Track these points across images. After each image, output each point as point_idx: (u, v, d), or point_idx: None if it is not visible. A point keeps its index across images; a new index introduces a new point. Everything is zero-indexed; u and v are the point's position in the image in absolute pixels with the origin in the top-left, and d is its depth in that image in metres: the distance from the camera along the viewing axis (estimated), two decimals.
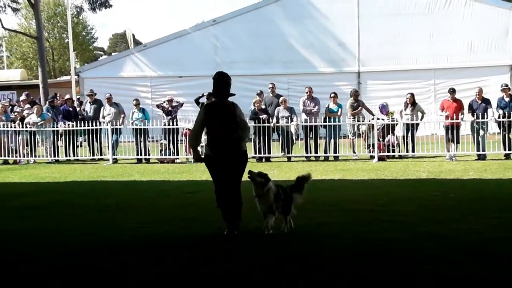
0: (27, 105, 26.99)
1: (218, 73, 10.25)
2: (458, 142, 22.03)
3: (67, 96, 28.06)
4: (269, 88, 24.50)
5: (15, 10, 48.20)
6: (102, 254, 8.85)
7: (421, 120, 23.08)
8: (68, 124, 24.41)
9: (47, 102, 28.72)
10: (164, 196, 14.86)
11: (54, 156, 24.30)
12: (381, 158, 21.96)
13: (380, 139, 22.32)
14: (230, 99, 10.17)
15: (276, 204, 9.81)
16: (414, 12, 31.48)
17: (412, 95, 23.25)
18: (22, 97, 28.00)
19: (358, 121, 23.14)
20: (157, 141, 24.36)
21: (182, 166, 22.12)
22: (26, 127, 24.13)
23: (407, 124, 22.73)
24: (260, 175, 9.75)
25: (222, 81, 10.05)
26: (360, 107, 23.61)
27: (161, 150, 23.88)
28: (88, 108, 25.62)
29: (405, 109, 23.07)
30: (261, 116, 22.94)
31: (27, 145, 24.27)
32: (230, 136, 9.72)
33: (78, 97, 36.44)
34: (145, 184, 17.41)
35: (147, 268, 8.09)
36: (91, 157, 24.63)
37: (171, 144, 23.68)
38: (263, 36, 32.01)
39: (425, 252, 8.48)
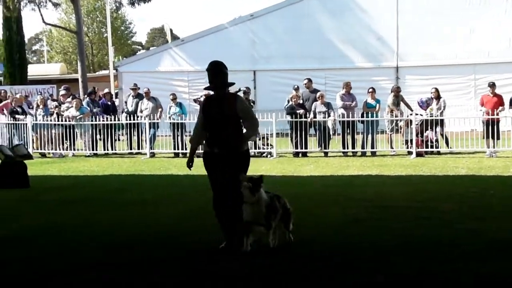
0: (68, 99, 27.14)
1: (210, 63, 9.04)
2: (498, 138, 21.74)
3: (106, 90, 28.24)
4: (304, 83, 24.40)
5: (55, 5, 48.64)
6: (136, 249, 8.87)
7: (441, 114, 22.83)
8: (107, 118, 24.56)
9: (86, 96, 28.92)
10: (201, 190, 14.83)
11: (93, 150, 24.48)
12: (419, 154, 21.78)
13: (419, 135, 22.14)
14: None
15: (268, 215, 8.43)
16: (454, 7, 31.08)
17: (437, 89, 23.07)
18: (62, 91, 28.18)
19: (397, 116, 22.97)
20: (190, 134, 24.34)
21: None
22: (65, 120, 24.31)
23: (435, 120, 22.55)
24: (251, 180, 8.37)
25: (215, 71, 8.86)
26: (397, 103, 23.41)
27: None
28: (130, 102, 25.74)
29: (430, 104, 22.89)
30: (298, 111, 22.87)
31: (66, 139, 24.46)
32: (227, 132, 8.57)
33: (116, 91, 36.67)
34: (182, 178, 17.42)
35: (180, 263, 8.09)
36: (129, 151, 24.74)
37: None
38: (300, 30, 31.85)
39: (463, 250, 8.39)
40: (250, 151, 22.50)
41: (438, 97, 22.87)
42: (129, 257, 8.37)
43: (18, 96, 28.19)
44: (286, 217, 8.77)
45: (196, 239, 9.41)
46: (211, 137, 8.76)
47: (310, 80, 24.48)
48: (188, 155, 9.25)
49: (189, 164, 8.98)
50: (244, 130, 8.90)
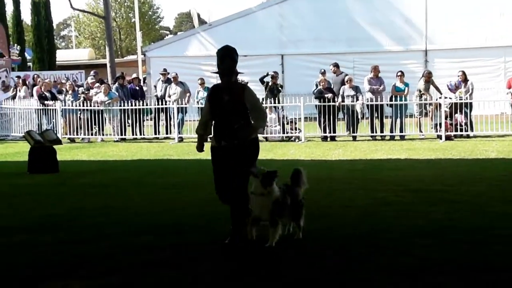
0: (97, 84, 27.25)
1: (220, 48, 8.52)
2: None
3: (134, 75, 28.33)
4: (330, 69, 24.35)
5: None
6: (167, 232, 8.90)
7: (470, 97, 22.65)
8: (135, 103, 24.65)
9: (114, 81, 29.02)
10: None
11: (121, 135, 24.59)
12: (448, 138, 21.64)
13: (448, 118, 21.99)
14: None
15: (278, 212, 8.00)
16: None
17: (463, 72, 22.89)
18: (90, 78, 28.26)
19: (426, 100, 22.81)
20: None
21: None
22: (94, 106, 24.45)
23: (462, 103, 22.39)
24: (267, 173, 8.04)
25: (223, 56, 8.28)
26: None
27: None
28: (160, 87, 25.80)
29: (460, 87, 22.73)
30: (326, 95, 22.81)
31: (95, 124, 24.60)
32: (234, 124, 8.07)
33: (144, 76, 36.77)
34: (209, 163, 17.43)
35: (210, 246, 8.11)
36: (156, 136, 24.82)
37: None
38: (328, 14, 31.73)
39: (494, 233, 8.34)
40: (279, 135, 22.62)
41: (465, 80, 22.71)
42: (159, 241, 8.39)
43: (47, 81, 28.40)
44: (296, 210, 8.26)
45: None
46: (217, 127, 8.31)
47: (336, 65, 24.40)
48: (197, 143, 8.65)
49: (200, 149, 8.61)
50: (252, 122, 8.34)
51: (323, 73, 24.39)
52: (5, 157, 19.68)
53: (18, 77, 33.37)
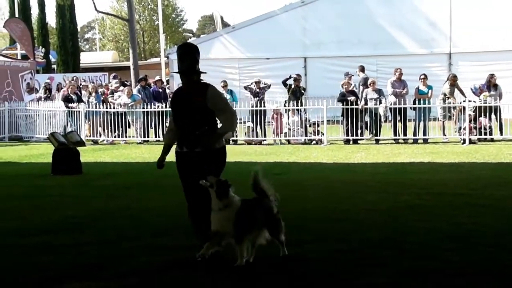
0: (121, 87, 27.38)
1: (179, 46, 7.78)
2: None
3: (157, 78, 28.40)
4: (357, 72, 24.39)
5: None
6: (187, 233, 8.87)
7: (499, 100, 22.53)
8: (158, 105, 24.70)
9: (137, 83, 29.12)
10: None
11: (144, 137, 24.66)
12: (472, 141, 21.50)
13: (472, 122, 21.84)
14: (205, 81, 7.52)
15: (241, 226, 7.04)
16: None
17: (493, 75, 22.77)
18: (115, 82, 28.35)
19: (450, 103, 22.68)
20: (244, 122, 24.40)
21: (269, 147, 22.15)
22: (117, 108, 24.55)
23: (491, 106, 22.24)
24: (217, 183, 7.09)
25: (181, 53, 7.41)
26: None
27: (245, 133, 23.92)
28: None
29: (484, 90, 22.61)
30: (349, 98, 22.76)
31: (118, 126, 24.68)
32: (196, 129, 7.26)
33: (167, 78, 36.86)
34: (232, 165, 17.41)
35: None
36: None
37: (258, 126, 23.70)
38: (351, 17, 31.65)
39: None
40: (301, 138, 22.56)
41: (495, 84, 22.61)
42: (185, 242, 8.35)
43: (73, 82, 28.67)
44: (272, 224, 7.33)
45: None
46: (179, 133, 7.48)
47: (362, 69, 24.46)
48: (161, 153, 7.79)
49: (160, 164, 7.77)
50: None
51: (349, 76, 24.40)
52: (29, 158, 19.78)
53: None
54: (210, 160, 7.30)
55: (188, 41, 57.48)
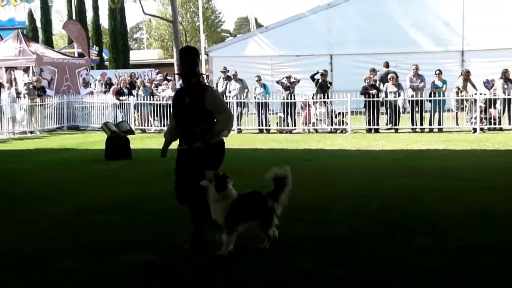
0: (165, 81, 27.52)
1: (180, 49, 7.46)
2: None
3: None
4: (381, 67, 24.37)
5: None
6: None
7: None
8: None
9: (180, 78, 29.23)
10: (282, 162, 14.78)
11: None
12: (481, 130, 21.31)
13: (482, 112, 21.66)
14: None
15: (233, 218, 6.83)
16: None
17: (507, 70, 22.49)
18: (159, 76, 28.53)
19: (462, 96, 22.49)
20: (276, 113, 24.37)
21: (299, 136, 22.09)
22: (162, 100, 24.64)
23: (505, 99, 21.97)
24: (216, 177, 6.85)
25: (182, 56, 7.25)
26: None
27: (277, 123, 23.91)
28: (220, 84, 25.89)
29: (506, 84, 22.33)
30: (371, 91, 22.69)
31: (163, 116, 24.78)
32: (195, 127, 7.02)
33: (207, 74, 36.89)
34: (266, 151, 17.44)
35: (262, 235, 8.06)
36: None
37: (289, 116, 23.67)
38: (373, 18, 31.37)
39: None
40: (328, 127, 22.44)
41: (508, 79, 22.35)
42: None
43: (125, 78, 28.92)
44: (263, 218, 6.97)
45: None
46: (179, 131, 7.27)
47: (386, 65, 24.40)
48: (162, 146, 7.55)
49: (163, 153, 7.53)
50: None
51: (373, 71, 24.34)
52: (85, 145, 19.91)
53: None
54: (208, 153, 7.03)
55: (226, 39, 57.58)
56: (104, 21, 56.49)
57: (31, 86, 26.15)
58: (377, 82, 23.76)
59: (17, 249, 7.38)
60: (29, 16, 48.54)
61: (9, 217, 9.18)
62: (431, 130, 22.36)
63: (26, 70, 29.51)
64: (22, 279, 6.23)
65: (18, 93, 26.35)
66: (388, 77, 23.34)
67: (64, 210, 9.57)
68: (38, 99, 25.81)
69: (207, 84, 6.82)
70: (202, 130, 6.99)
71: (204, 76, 28.41)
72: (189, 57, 7.08)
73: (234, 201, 6.88)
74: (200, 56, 6.70)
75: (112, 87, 28.38)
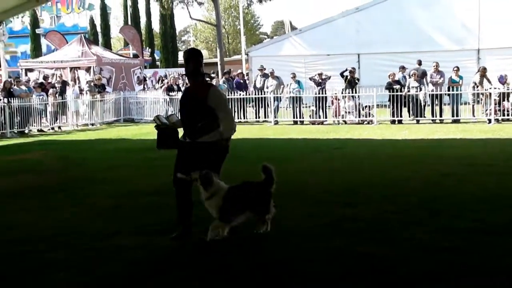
0: (207, 78, 27.55)
1: (185, 51, 7.20)
2: None
3: (239, 71, 28.44)
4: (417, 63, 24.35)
5: (199, 3, 49.11)
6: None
7: None
8: (240, 93, 24.77)
9: (223, 75, 29.24)
10: (315, 151, 14.79)
11: None
12: (496, 121, 21.01)
13: (496, 105, 21.37)
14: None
15: (227, 210, 6.52)
16: None
17: None
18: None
19: (478, 90, 22.20)
20: (309, 106, 24.31)
21: (330, 127, 22.00)
22: None
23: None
24: (202, 176, 6.49)
25: (186, 57, 6.95)
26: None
27: (310, 115, 23.86)
28: (259, 81, 25.90)
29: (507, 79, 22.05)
30: (394, 86, 22.59)
31: None
32: (198, 122, 6.71)
33: (247, 72, 36.89)
34: (300, 141, 17.41)
35: (302, 211, 8.06)
36: (257, 119, 24.90)
37: (320, 109, 23.59)
38: (396, 20, 30.98)
39: None
40: (356, 119, 22.35)
41: None
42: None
43: (176, 76, 29.14)
44: (259, 205, 6.74)
45: (315, 190, 9.38)
46: (184, 125, 7.03)
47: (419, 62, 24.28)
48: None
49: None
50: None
51: (403, 68, 24.13)
52: (139, 136, 20.08)
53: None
54: (211, 150, 6.67)
55: (264, 41, 57.49)
56: (156, 26, 57.00)
57: (92, 84, 26.46)
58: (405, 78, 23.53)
59: (78, 228, 7.47)
60: (91, 22, 49.12)
61: (72, 199, 9.31)
62: (449, 121, 22.14)
63: (87, 69, 29.87)
64: (82, 256, 6.28)
65: (81, 90, 26.68)
66: (410, 73, 23.20)
67: (121, 193, 9.67)
68: (98, 95, 26.11)
69: (211, 83, 6.62)
70: (205, 125, 6.67)
71: (244, 74, 28.42)
72: (193, 58, 6.84)
73: (226, 194, 6.54)
74: (202, 57, 6.92)
75: (163, 85, 28.55)
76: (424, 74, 23.51)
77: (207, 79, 7.51)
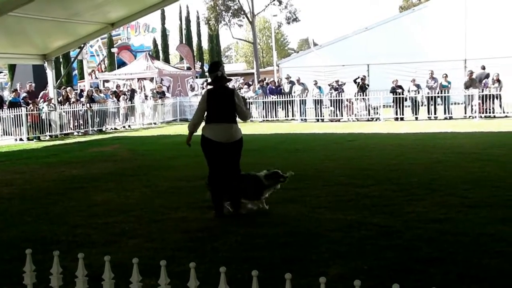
0: (245, 85, 27.62)
1: (210, 63, 7.14)
2: None
3: (271, 79, 28.42)
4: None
5: (240, 25, 49.13)
6: (303, 184, 8.83)
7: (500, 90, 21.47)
8: (272, 97, 24.77)
9: (258, 83, 29.27)
10: (333, 143, 14.76)
11: (264, 118, 24.78)
12: (480, 117, 20.75)
13: (481, 104, 21.12)
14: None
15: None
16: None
17: (498, 74, 21.80)
18: (240, 82, 28.69)
19: (465, 91, 21.93)
20: (328, 107, 24.22)
21: (345, 123, 21.92)
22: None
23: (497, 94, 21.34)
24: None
25: (211, 69, 6.95)
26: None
27: (329, 114, 23.79)
28: (286, 87, 25.88)
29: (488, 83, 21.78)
30: (397, 90, 22.51)
31: None
32: (230, 122, 6.65)
33: (278, 79, 36.84)
34: (321, 135, 17.37)
35: (324, 190, 8.07)
36: (287, 118, 24.89)
37: (337, 109, 23.51)
38: (399, 36, 30.64)
39: None
40: (366, 117, 22.19)
41: (498, 80, 21.70)
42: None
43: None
44: (249, 191, 6.83)
45: (330, 173, 9.37)
46: (215, 126, 6.65)
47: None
48: (188, 136, 7.05)
49: (188, 143, 7.11)
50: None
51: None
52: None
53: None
54: (238, 147, 6.81)
55: (291, 54, 57.27)
56: (205, 44, 57.21)
57: (155, 91, 26.75)
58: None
59: (146, 204, 7.56)
60: (153, 42, 49.39)
61: (141, 182, 9.44)
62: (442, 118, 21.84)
63: (151, 80, 30.22)
64: (144, 228, 6.35)
65: (146, 96, 26.97)
66: (411, 80, 23.13)
67: (178, 177, 9.75)
68: (159, 100, 26.36)
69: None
70: (236, 126, 6.72)
71: (276, 82, 28.41)
72: (218, 68, 6.78)
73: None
74: (224, 67, 6.99)
75: None
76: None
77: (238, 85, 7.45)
